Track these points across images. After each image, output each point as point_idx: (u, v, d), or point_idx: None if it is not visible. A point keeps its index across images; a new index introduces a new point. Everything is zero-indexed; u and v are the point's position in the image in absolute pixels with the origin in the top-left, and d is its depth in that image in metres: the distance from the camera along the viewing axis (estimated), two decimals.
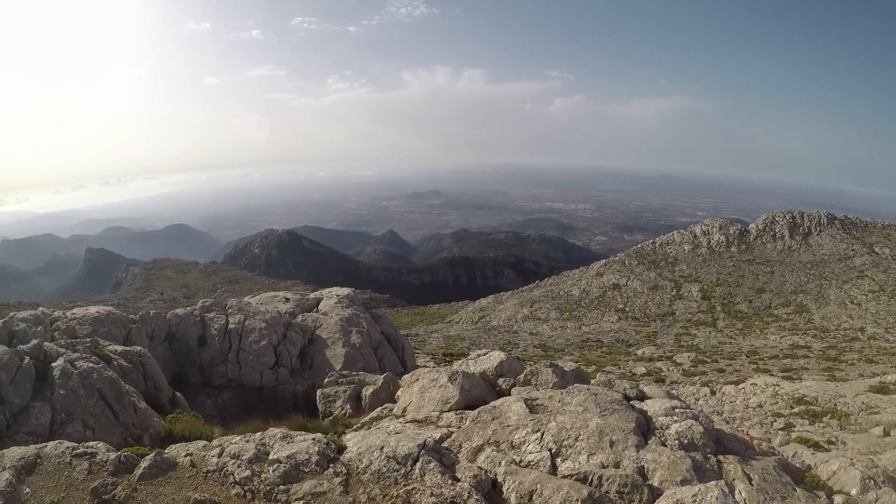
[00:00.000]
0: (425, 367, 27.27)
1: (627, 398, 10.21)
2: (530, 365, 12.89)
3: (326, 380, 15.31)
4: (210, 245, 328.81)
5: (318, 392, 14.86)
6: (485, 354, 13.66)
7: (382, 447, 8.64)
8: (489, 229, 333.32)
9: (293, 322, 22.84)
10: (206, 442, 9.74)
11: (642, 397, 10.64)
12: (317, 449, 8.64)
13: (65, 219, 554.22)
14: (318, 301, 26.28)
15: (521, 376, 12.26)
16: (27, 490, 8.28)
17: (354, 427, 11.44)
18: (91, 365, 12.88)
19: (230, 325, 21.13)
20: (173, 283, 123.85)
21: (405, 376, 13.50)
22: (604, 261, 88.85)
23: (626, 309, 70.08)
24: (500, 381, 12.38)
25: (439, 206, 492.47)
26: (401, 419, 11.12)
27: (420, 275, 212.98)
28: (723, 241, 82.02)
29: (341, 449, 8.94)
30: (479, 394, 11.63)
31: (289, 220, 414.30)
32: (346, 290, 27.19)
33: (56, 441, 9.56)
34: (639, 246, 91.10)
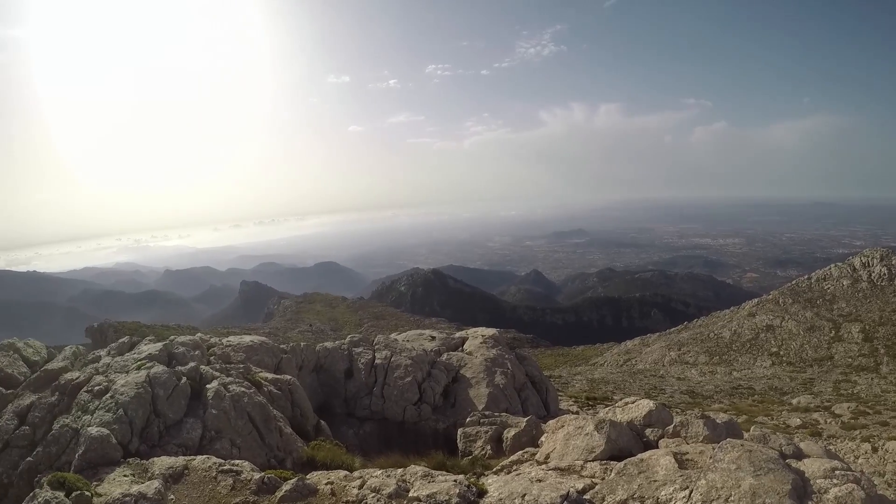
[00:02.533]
0: (569, 410, 26.27)
1: (783, 456, 9.18)
2: (678, 414, 12.02)
3: (469, 419, 15.17)
4: (357, 282, 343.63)
5: (460, 431, 14.73)
6: (633, 402, 12.87)
7: (524, 494, 8.22)
8: (635, 268, 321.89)
9: (438, 360, 23.03)
10: (347, 472, 9.79)
11: (799, 455, 9.54)
12: (457, 491, 8.41)
13: (222, 254, 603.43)
14: (463, 340, 26.34)
15: (670, 427, 11.42)
16: (172, 497, 8.60)
17: (494, 469, 11.26)
18: (243, 389, 13.51)
19: (377, 361, 21.71)
20: (322, 316, 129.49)
21: (550, 422, 13.00)
22: (756, 300, 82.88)
23: (781, 353, 64.41)
24: (648, 431, 11.59)
25: (583, 245, 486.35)
26: (542, 465, 10.70)
27: (564, 315, 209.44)
28: (885, 274, 72.70)
29: (482, 493, 8.65)
30: (625, 444, 10.97)
31: (434, 259, 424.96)
32: (491, 331, 27.14)
33: (204, 455, 9.95)
34: (793, 282, 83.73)
